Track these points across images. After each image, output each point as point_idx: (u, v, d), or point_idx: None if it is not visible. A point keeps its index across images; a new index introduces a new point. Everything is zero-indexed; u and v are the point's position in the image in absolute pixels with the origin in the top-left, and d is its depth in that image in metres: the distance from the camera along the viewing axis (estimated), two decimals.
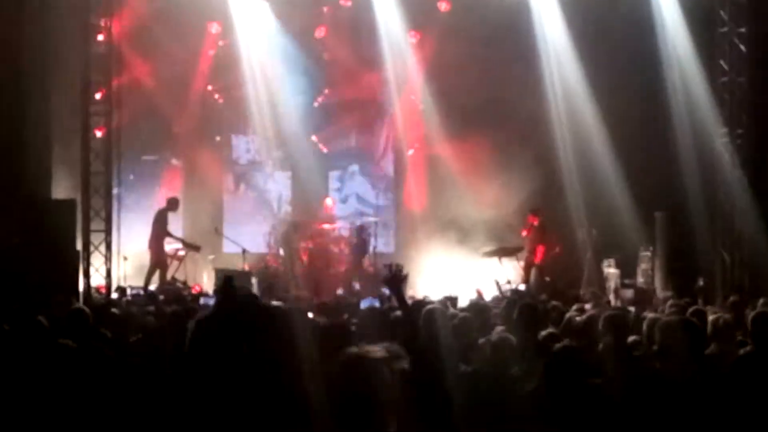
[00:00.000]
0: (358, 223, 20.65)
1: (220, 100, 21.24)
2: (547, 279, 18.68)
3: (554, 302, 11.49)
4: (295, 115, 21.02)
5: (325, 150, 21.78)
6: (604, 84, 19.04)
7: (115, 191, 18.49)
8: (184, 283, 18.67)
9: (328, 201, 20.98)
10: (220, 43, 20.74)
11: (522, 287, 18.01)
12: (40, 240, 15.60)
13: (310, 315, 9.80)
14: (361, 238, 20.04)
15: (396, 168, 22.03)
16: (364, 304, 13.22)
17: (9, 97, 16.95)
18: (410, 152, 21.57)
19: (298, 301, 14.36)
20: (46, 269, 14.91)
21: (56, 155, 18.60)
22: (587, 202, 19.17)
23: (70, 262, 16.23)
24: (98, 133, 18.07)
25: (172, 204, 18.98)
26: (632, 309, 12.51)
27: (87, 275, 17.21)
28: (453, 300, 13.28)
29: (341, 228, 20.77)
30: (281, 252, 19.94)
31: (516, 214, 19.86)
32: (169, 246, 19.18)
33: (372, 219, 20.72)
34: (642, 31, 18.74)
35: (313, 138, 21.52)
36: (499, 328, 8.41)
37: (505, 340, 7.28)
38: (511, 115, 19.90)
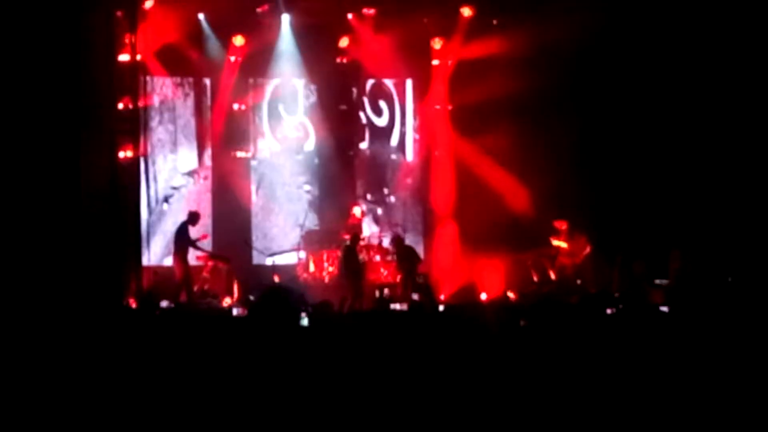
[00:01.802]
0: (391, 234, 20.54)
1: (245, 111, 21.20)
2: (579, 282, 18.60)
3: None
4: (320, 122, 21.22)
5: (350, 153, 21.70)
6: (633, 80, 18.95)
7: (143, 204, 18.59)
8: (215, 295, 18.67)
9: (356, 210, 20.70)
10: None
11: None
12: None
13: None
14: (405, 246, 19.77)
15: (422, 173, 21.98)
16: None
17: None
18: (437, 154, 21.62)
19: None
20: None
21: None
22: (616, 205, 19.08)
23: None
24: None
25: (193, 217, 18.91)
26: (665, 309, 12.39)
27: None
28: None
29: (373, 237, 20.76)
30: (311, 263, 19.92)
31: (546, 217, 19.69)
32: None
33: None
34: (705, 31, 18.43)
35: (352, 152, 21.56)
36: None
37: None
38: (539, 117, 19.83)
